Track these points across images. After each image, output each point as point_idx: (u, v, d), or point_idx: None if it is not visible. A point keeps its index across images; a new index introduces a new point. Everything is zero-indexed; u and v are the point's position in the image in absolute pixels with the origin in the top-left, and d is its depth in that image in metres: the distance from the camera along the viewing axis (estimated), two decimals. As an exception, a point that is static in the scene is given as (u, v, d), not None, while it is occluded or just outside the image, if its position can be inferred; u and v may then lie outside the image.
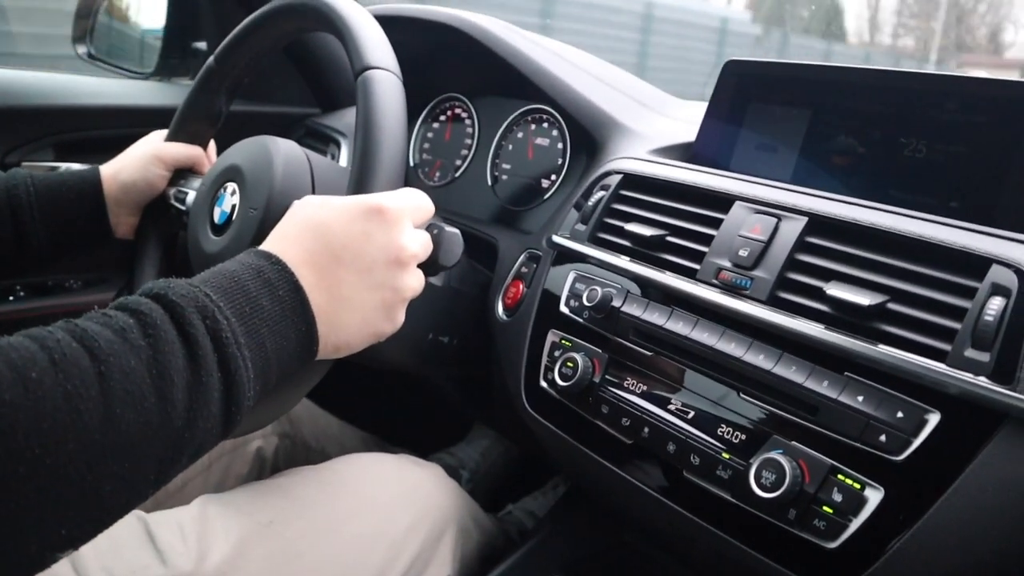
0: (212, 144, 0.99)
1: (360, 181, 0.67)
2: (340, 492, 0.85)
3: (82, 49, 1.45)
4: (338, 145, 1.28)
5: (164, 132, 0.96)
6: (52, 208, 0.88)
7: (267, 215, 0.76)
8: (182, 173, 0.95)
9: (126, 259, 1.00)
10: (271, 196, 0.76)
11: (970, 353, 0.58)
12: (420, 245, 0.65)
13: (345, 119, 1.36)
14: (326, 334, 0.58)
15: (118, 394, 0.44)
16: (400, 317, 0.65)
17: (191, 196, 0.90)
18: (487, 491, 1.42)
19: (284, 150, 0.79)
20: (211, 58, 0.89)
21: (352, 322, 0.60)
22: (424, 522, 0.87)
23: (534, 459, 1.45)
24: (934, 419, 0.59)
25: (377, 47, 0.71)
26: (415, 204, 0.65)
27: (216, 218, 0.82)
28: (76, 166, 1.28)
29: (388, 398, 1.51)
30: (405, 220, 0.63)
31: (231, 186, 0.81)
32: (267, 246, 0.59)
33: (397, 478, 0.91)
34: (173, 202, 0.93)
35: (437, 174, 1.24)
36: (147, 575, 0.68)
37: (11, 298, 1.27)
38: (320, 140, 1.34)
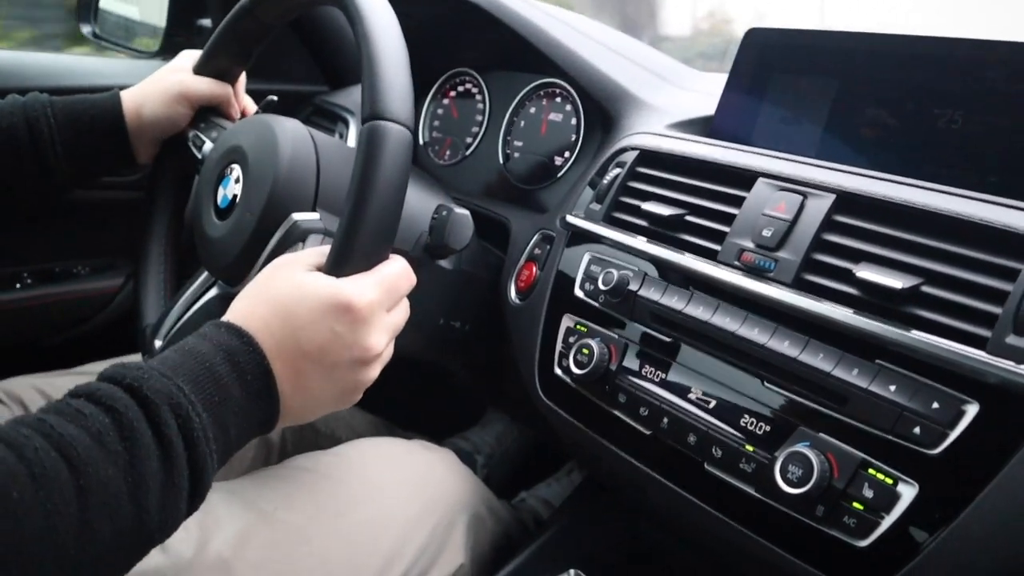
0: (243, 81, 0.95)
1: (338, 261, 0.62)
2: (347, 477, 0.83)
3: (87, 28, 1.42)
4: (346, 124, 1.25)
5: (192, 56, 0.91)
6: (74, 137, 0.85)
7: (268, 208, 0.73)
8: (205, 113, 0.91)
9: (133, 245, 0.98)
10: (275, 184, 0.73)
11: (1012, 340, 0.54)
12: (387, 341, 0.64)
13: (353, 96, 1.32)
14: (284, 415, 0.60)
15: (95, 507, 0.44)
16: (357, 398, 0.65)
17: (208, 146, 0.87)
18: (503, 476, 1.40)
19: (291, 134, 0.76)
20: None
21: (310, 406, 0.62)
22: (436, 509, 0.85)
23: (550, 444, 1.43)
24: (972, 410, 0.55)
25: (396, 93, 0.62)
26: (389, 290, 0.63)
27: (219, 201, 0.79)
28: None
29: (399, 382, 1.49)
30: (374, 317, 0.62)
31: (236, 169, 0.78)
32: (239, 320, 0.58)
33: (408, 463, 0.89)
34: (190, 146, 0.90)
35: (448, 152, 1.20)
36: (146, 562, 0.67)
37: (18, 285, 1.25)
38: (328, 119, 1.30)
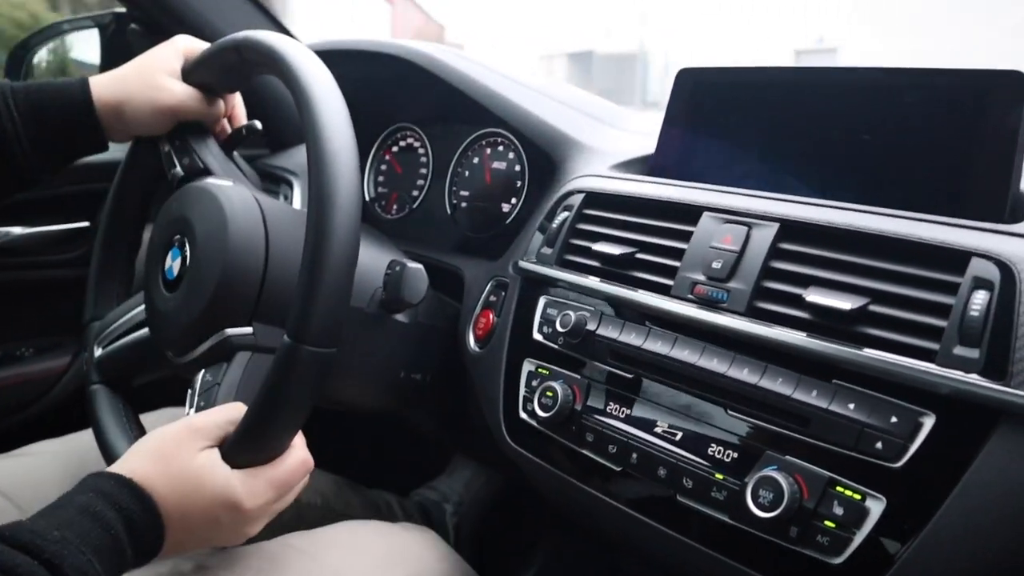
0: (240, 105, 0.92)
1: (236, 451, 0.65)
2: (326, 556, 0.81)
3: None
4: (290, 185, 1.25)
5: (188, 46, 0.85)
6: (39, 128, 0.81)
7: (218, 290, 0.73)
8: (183, 130, 0.86)
9: (78, 322, 0.96)
10: (223, 267, 0.73)
11: (959, 351, 0.57)
12: (261, 527, 0.69)
13: (295, 159, 1.32)
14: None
15: None
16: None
17: (177, 170, 0.85)
18: (473, 522, 1.39)
19: (239, 209, 0.75)
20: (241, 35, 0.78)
21: (180, 553, 0.69)
22: None
23: (518, 487, 1.42)
24: (929, 422, 0.57)
25: (323, 313, 0.62)
26: (281, 487, 0.67)
27: (166, 271, 0.78)
28: (16, 229, 1.24)
29: (358, 437, 1.47)
30: (261, 515, 0.67)
31: (183, 242, 0.77)
32: (141, 482, 0.61)
33: (387, 543, 0.87)
34: (163, 158, 0.87)
35: (394, 207, 1.21)
36: None
37: (-41, 371, 1.21)
38: (271, 181, 1.30)
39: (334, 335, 0.63)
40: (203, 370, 0.76)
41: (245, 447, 0.65)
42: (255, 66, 0.78)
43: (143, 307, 0.86)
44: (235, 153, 0.90)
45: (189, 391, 0.76)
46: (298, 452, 0.69)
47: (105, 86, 0.83)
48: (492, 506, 1.42)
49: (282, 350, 0.62)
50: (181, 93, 0.83)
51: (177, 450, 0.64)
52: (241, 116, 0.92)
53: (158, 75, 0.83)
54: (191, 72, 0.84)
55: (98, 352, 0.91)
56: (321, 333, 0.62)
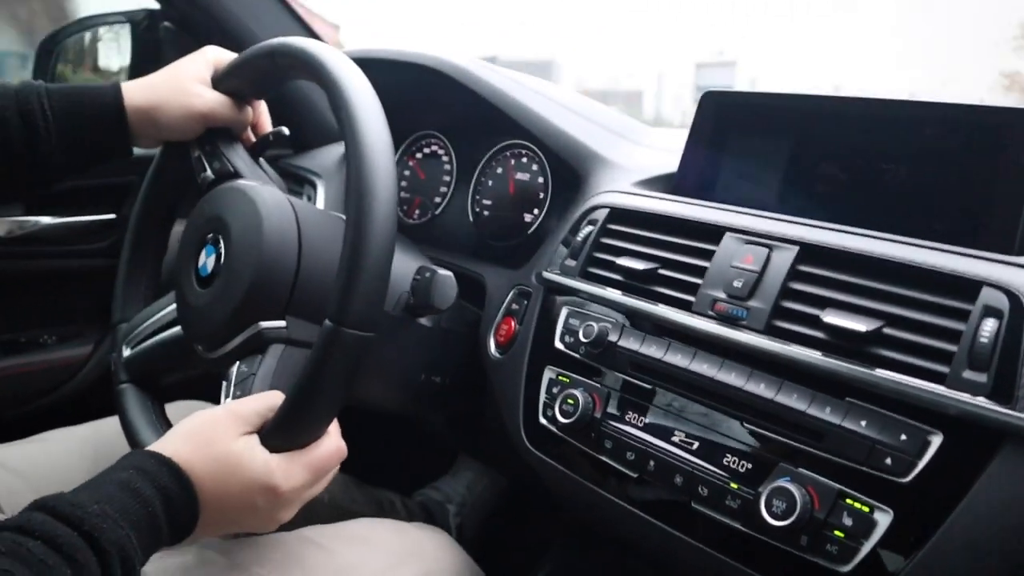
0: (265, 112, 0.95)
1: (275, 435, 0.68)
2: (342, 549, 0.84)
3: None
4: (313, 186, 1.28)
5: (217, 57, 0.88)
6: (71, 130, 0.83)
7: (253, 285, 0.75)
8: (213, 135, 0.89)
9: (101, 312, 0.99)
10: (258, 262, 0.76)
11: (968, 374, 0.60)
12: (295, 513, 0.71)
13: (317, 160, 1.36)
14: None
15: None
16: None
17: (207, 173, 0.87)
18: (475, 523, 1.42)
19: (273, 208, 0.79)
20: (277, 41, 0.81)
21: (213, 535, 0.70)
22: None
23: (521, 489, 1.45)
24: (937, 440, 0.60)
25: (364, 297, 0.65)
26: (317, 471, 0.70)
27: (199, 269, 0.81)
28: (45, 219, 1.27)
29: (364, 437, 1.50)
30: (296, 499, 0.69)
31: (217, 239, 0.80)
32: (182, 463, 0.63)
33: (400, 540, 0.90)
34: (193, 162, 0.89)
35: (416, 212, 1.24)
36: None
37: (-17, 357, 1.24)
38: (295, 182, 1.33)
39: (374, 319, 0.66)
40: (238, 362, 0.78)
41: (284, 431, 0.68)
42: (288, 70, 0.81)
43: (171, 308, 0.89)
44: (262, 159, 0.93)
45: (224, 382, 0.79)
46: (333, 439, 0.71)
47: (137, 92, 0.85)
48: (495, 508, 1.45)
49: (324, 333, 0.64)
50: (212, 99, 0.86)
51: (217, 434, 0.66)
52: (266, 123, 0.95)
53: (189, 82, 0.86)
54: (221, 80, 0.87)
55: (126, 352, 0.93)
56: (362, 316, 0.65)
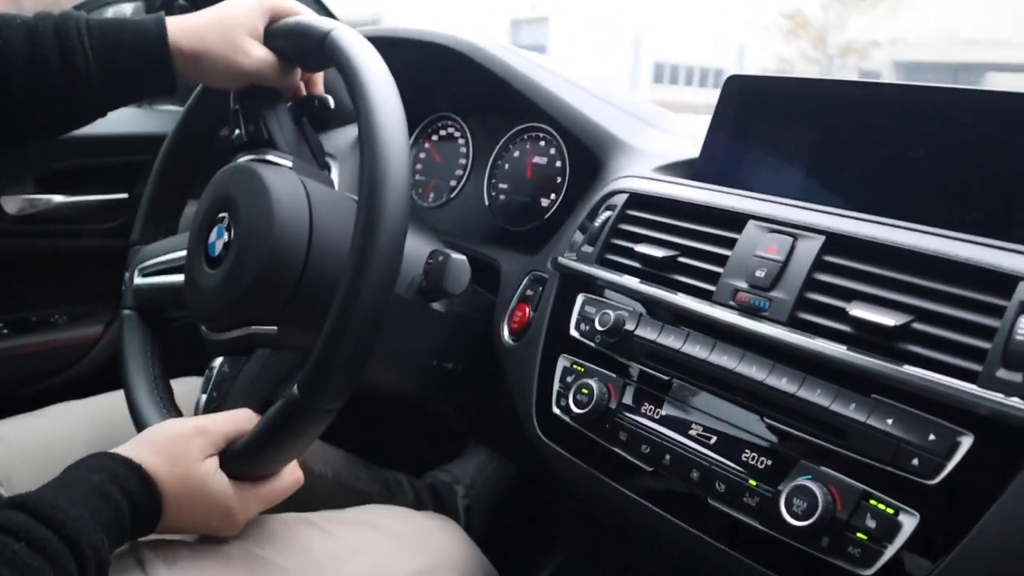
0: (320, 76, 0.90)
1: (234, 468, 0.71)
2: (345, 534, 0.83)
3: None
4: (328, 168, 1.26)
5: (274, 6, 0.82)
6: (111, 66, 0.77)
7: (256, 281, 0.74)
8: (253, 92, 0.84)
9: (112, 292, 0.98)
10: (264, 258, 0.74)
11: (1002, 374, 0.57)
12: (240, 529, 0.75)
13: (333, 141, 1.34)
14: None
15: None
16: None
17: (240, 132, 0.83)
18: (484, 507, 1.40)
19: (283, 193, 0.76)
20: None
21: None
22: (431, 571, 0.85)
23: (530, 479, 1.43)
24: (967, 442, 0.57)
25: (336, 378, 0.66)
26: (270, 503, 0.75)
27: (209, 249, 0.80)
28: (57, 198, 1.26)
29: (373, 419, 1.49)
30: (244, 523, 0.74)
31: (226, 219, 0.78)
32: (152, 472, 0.66)
33: (406, 526, 0.89)
34: (231, 117, 0.85)
35: (431, 195, 1.22)
36: None
37: (-6, 336, 1.24)
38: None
39: (345, 393, 0.67)
40: (221, 359, 0.80)
41: (245, 463, 0.71)
42: (327, 60, 0.76)
43: (177, 259, 0.90)
44: (304, 119, 0.88)
45: (206, 373, 0.81)
46: (289, 473, 0.76)
47: (183, 33, 0.78)
48: (504, 492, 1.44)
49: (287, 401, 0.67)
50: (259, 59, 0.80)
51: (184, 452, 0.69)
52: (319, 86, 0.90)
53: (239, 33, 0.79)
54: (274, 36, 0.81)
55: (137, 279, 0.94)
56: (334, 392, 0.66)
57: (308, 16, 0.81)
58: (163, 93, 0.82)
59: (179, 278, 0.88)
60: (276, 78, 0.82)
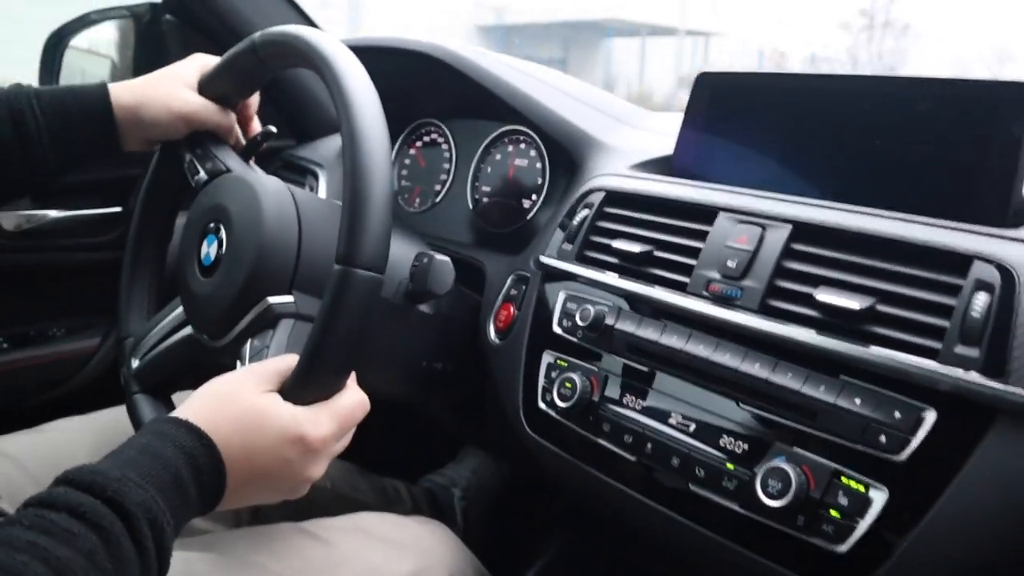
0: (255, 103, 0.94)
1: (298, 389, 0.67)
2: (339, 540, 0.84)
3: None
4: (315, 177, 1.28)
5: (204, 63, 0.89)
6: (62, 130, 0.84)
7: (256, 264, 0.76)
8: (202, 137, 0.89)
9: (108, 304, 0.99)
10: (259, 249, 0.76)
11: (960, 350, 0.60)
12: (325, 469, 0.69)
13: (320, 151, 1.36)
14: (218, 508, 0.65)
15: None
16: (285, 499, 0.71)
17: (201, 175, 0.87)
18: (481, 508, 1.42)
19: (271, 192, 0.79)
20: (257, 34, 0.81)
21: (242, 503, 0.67)
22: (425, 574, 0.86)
23: (524, 478, 1.45)
24: (931, 417, 0.60)
25: (372, 236, 0.65)
26: (343, 422, 0.68)
27: (202, 258, 0.82)
28: (53, 213, 1.28)
29: (368, 426, 1.50)
30: (325, 449, 0.67)
31: (219, 228, 0.81)
32: (203, 425, 0.62)
33: (399, 533, 0.90)
34: (185, 169, 0.89)
35: (417, 200, 1.24)
36: None
37: (-8, 351, 1.25)
38: (297, 172, 1.33)
39: (382, 260, 0.65)
40: (250, 339, 0.78)
41: (306, 384, 0.67)
42: (274, 60, 0.80)
43: (176, 313, 0.89)
44: (252, 161, 0.92)
45: (237, 362, 0.78)
46: (355, 390, 0.70)
47: (123, 91, 0.86)
48: (501, 493, 1.45)
49: (333, 276, 0.64)
50: (195, 103, 0.87)
51: (238, 392, 0.65)
52: (254, 125, 0.95)
53: (174, 85, 0.87)
54: (206, 85, 0.88)
55: (135, 364, 0.93)
56: (371, 256, 0.64)
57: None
58: (108, 152, 0.88)
59: (177, 336, 0.89)
60: (213, 119, 0.88)
